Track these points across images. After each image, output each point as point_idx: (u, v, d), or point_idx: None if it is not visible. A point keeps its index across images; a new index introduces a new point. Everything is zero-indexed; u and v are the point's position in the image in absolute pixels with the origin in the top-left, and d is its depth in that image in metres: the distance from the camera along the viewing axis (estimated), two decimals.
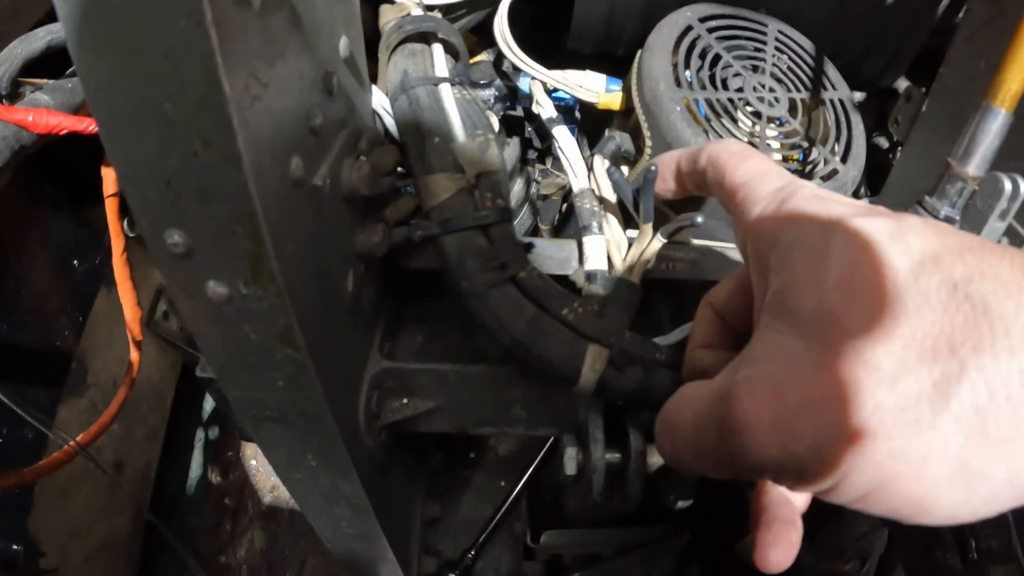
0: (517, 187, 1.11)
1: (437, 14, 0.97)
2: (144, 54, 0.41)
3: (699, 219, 0.77)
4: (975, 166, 0.65)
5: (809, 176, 0.94)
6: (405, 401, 0.87)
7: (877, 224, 0.45)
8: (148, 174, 0.47)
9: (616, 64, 1.14)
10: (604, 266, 0.85)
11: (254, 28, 0.47)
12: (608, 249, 0.86)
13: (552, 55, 1.17)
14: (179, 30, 0.40)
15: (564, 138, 0.94)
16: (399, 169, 0.82)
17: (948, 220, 0.68)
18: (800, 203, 0.51)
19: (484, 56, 1.20)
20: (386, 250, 0.77)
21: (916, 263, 0.42)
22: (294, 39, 0.55)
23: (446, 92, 0.83)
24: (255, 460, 1.72)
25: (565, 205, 1.23)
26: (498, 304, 0.75)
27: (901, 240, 0.44)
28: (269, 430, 0.71)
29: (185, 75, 0.42)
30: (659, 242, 0.84)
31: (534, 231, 1.22)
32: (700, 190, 0.68)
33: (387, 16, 0.93)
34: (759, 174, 0.58)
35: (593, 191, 0.90)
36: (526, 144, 1.22)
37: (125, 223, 1.01)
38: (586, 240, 0.86)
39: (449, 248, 0.76)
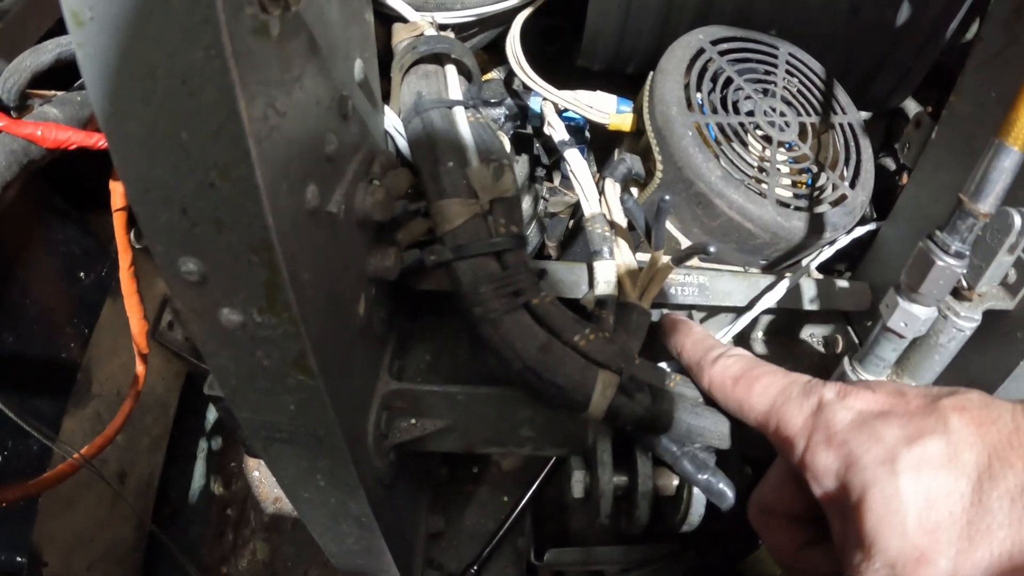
0: (525, 204, 1.11)
1: (450, 34, 0.97)
2: (160, 81, 0.41)
3: (712, 248, 0.77)
4: (987, 203, 0.65)
5: (818, 201, 0.94)
6: (414, 421, 0.87)
7: (933, 449, 0.51)
8: (163, 201, 0.47)
9: (627, 81, 1.14)
10: (614, 291, 0.85)
11: (273, 57, 0.47)
12: (619, 274, 0.86)
13: (562, 67, 1.17)
14: (198, 59, 0.40)
15: (576, 161, 0.94)
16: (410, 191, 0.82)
17: (958, 255, 0.68)
18: (848, 435, 0.56)
19: (495, 74, 1.19)
20: (398, 274, 0.77)
21: (975, 482, 0.49)
22: (311, 65, 0.55)
23: (460, 116, 0.83)
24: (258, 471, 1.72)
25: (572, 222, 1.23)
26: (511, 331, 0.75)
27: (957, 461, 0.50)
28: (278, 451, 0.71)
29: (202, 104, 0.42)
30: (670, 267, 0.84)
31: (541, 248, 1.22)
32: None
33: (400, 35, 0.93)
34: (778, 395, 0.63)
35: (604, 215, 0.90)
36: (534, 162, 1.22)
37: (132, 234, 1.01)
38: (597, 265, 0.86)
39: (462, 274, 0.76)
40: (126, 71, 0.41)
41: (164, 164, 0.45)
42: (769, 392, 0.63)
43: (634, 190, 0.99)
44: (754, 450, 0.79)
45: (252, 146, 0.43)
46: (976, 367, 0.86)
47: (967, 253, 0.69)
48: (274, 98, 0.47)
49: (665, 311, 0.94)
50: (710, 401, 0.76)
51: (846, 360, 0.84)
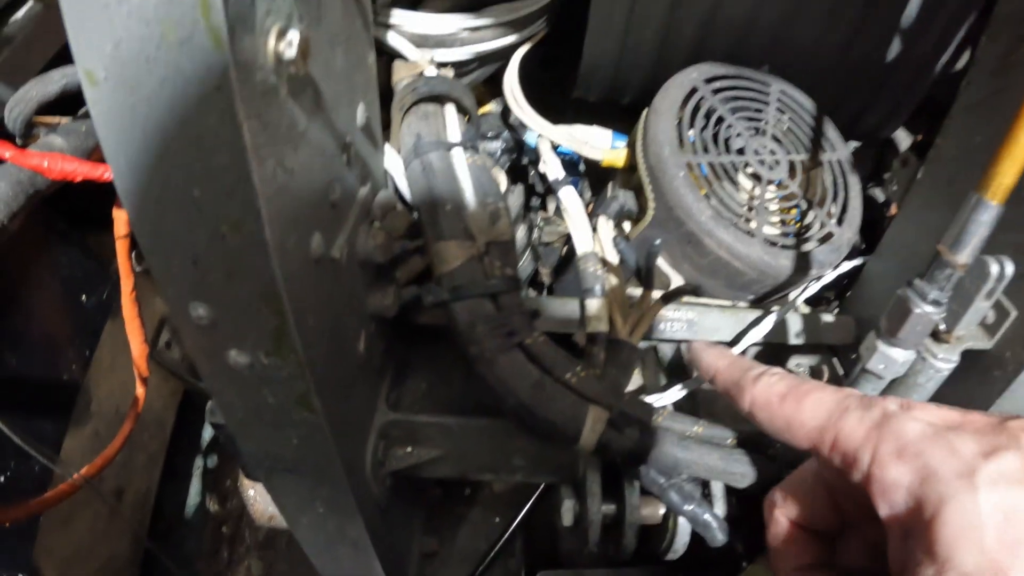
0: (520, 233, 1.13)
1: (449, 72, 0.99)
2: (174, 142, 0.43)
3: (701, 289, 0.80)
4: (965, 254, 0.67)
5: (805, 239, 0.96)
6: (410, 449, 0.90)
7: (1009, 464, 0.50)
8: (175, 251, 0.49)
9: (622, 110, 1.16)
10: (605, 328, 0.87)
11: (282, 116, 0.49)
12: (610, 311, 0.88)
13: (558, 95, 1.19)
14: (211, 125, 0.42)
15: (570, 199, 0.96)
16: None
17: (935, 303, 0.71)
18: (922, 447, 0.53)
19: (492, 107, 1.21)
20: (397, 311, 0.79)
21: None
22: (317, 118, 0.57)
23: (458, 158, 0.85)
24: (253, 490, 1.73)
25: (565, 249, 1.25)
26: (505, 369, 0.77)
27: None
28: (281, 480, 0.74)
29: (215, 165, 0.44)
30: (659, 306, 0.87)
31: (535, 275, 1.24)
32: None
33: (400, 73, 0.95)
34: (833, 409, 0.59)
35: (596, 254, 0.92)
36: (529, 191, 1.24)
37: (133, 256, 1.02)
38: (588, 303, 0.88)
39: (459, 314, 0.78)
40: (140, 131, 0.42)
41: (177, 218, 0.46)
42: (822, 407, 0.60)
43: (627, 224, 1.01)
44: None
45: (262, 205, 0.45)
46: (953, 403, 0.88)
47: (944, 301, 0.71)
48: (283, 156, 0.49)
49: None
50: (748, 429, 0.77)
51: None
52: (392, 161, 0.86)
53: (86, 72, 0.41)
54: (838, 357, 1.06)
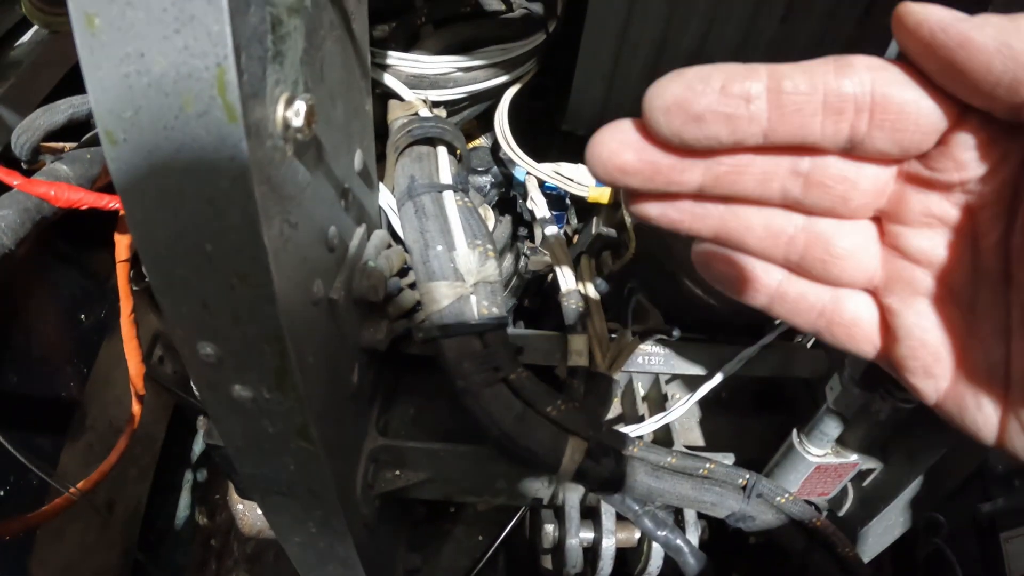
0: (507, 263, 1.16)
1: (442, 111, 1.02)
2: (188, 201, 0.45)
3: (676, 332, 0.83)
4: None
5: None
6: (398, 473, 0.94)
7: None
8: (186, 296, 0.51)
9: None
10: (585, 362, 0.91)
11: (288, 176, 0.52)
12: (591, 346, 0.91)
13: (549, 122, 1.23)
14: (224, 188, 0.44)
15: (554, 239, 1.00)
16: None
17: None
18: None
19: (482, 141, 1.24)
20: (388, 344, 0.83)
21: None
22: (319, 171, 0.60)
23: (449, 200, 0.88)
24: (241, 504, 1.75)
25: (551, 276, 1.28)
26: (490, 402, 0.81)
27: None
28: (275, 501, 0.77)
29: (227, 224, 0.46)
30: (637, 342, 0.91)
31: (520, 303, 1.28)
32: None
33: (396, 112, 0.98)
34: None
35: (579, 291, 0.96)
36: (517, 221, 1.27)
37: (131, 277, 1.04)
38: (570, 338, 0.92)
39: (447, 351, 0.82)
40: (156, 189, 0.45)
41: (189, 268, 0.49)
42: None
43: (609, 258, 1.05)
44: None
45: (271, 259, 0.48)
46: (919, 433, 0.92)
47: None
48: (288, 212, 0.52)
49: None
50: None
51: (794, 433, 0.91)
52: (387, 200, 0.89)
53: (106, 132, 0.42)
54: (810, 389, 1.10)
